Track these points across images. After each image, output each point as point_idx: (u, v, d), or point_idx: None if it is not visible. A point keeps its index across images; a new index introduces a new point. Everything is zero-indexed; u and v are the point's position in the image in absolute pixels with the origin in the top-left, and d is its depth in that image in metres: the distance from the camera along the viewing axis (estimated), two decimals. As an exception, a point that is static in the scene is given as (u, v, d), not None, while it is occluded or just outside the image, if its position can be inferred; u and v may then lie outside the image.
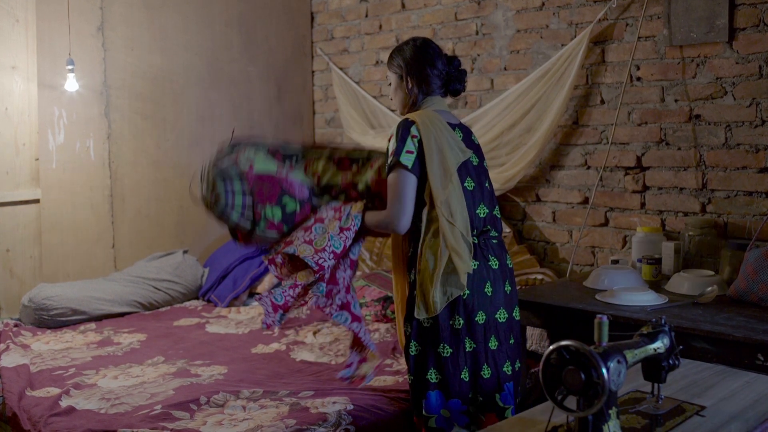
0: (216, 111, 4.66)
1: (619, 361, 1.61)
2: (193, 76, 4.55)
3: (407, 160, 2.36)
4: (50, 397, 2.69)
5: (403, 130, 2.40)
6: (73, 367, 3.03)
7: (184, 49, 4.49)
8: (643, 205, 3.46)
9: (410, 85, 2.54)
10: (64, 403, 2.62)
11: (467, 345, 2.39)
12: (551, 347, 1.64)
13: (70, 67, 3.87)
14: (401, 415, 2.59)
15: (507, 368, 2.46)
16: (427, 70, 2.52)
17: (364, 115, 4.69)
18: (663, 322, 1.87)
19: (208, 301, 4.20)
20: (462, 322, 2.37)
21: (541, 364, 1.65)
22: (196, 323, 3.75)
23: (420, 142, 2.38)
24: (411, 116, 2.45)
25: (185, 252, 4.38)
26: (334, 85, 4.89)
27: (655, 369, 1.86)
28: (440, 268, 2.31)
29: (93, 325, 3.68)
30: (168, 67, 4.43)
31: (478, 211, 2.45)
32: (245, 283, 4.14)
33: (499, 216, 2.55)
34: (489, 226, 2.48)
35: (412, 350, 2.42)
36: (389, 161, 2.40)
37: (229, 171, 2.48)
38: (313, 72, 5.15)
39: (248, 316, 3.89)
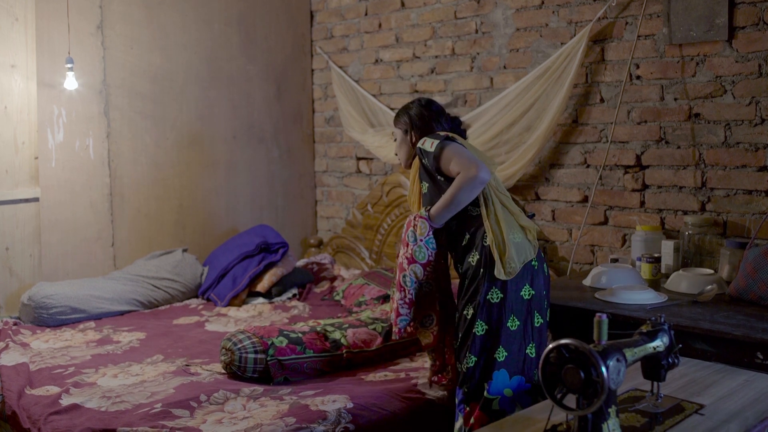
0: (215, 110, 4.66)
1: (618, 360, 1.61)
2: (193, 74, 4.54)
3: (455, 140, 2.56)
4: (50, 396, 2.69)
5: (438, 136, 2.58)
6: (73, 365, 3.03)
7: (183, 48, 4.49)
8: (642, 203, 3.46)
9: (414, 139, 2.70)
10: (64, 401, 2.62)
11: (536, 319, 2.48)
12: (551, 345, 1.64)
13: (69, 65, 3.86)
14: (401, 413, 2.59)
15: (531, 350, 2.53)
16: (432, 125, 2.69)
17: (363, 114, 4.69)
18: (662, 320, 1.87)
19: (208, 299, 4.19)
20: (533, 292, 2.46)
21: (541, 362, 1.66)
22: (195, 322, 3.75)
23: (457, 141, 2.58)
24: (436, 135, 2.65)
25: (184, 250, 4.37)
26: (334, 84, 4.89)
27: (654, 367, 1.87)
28: (507, 234, 2.43)
29: (92, 323, 3.68)
30: (167, 66, 4.42)
31: None
32: (244, 282, 4.13)
33: None
34: None
35: (479, 330, 2.44)
36: (436, 147, 2.51)
37: None
38: (312, 70, 5.15)
39: (248, 314, 3.88)
